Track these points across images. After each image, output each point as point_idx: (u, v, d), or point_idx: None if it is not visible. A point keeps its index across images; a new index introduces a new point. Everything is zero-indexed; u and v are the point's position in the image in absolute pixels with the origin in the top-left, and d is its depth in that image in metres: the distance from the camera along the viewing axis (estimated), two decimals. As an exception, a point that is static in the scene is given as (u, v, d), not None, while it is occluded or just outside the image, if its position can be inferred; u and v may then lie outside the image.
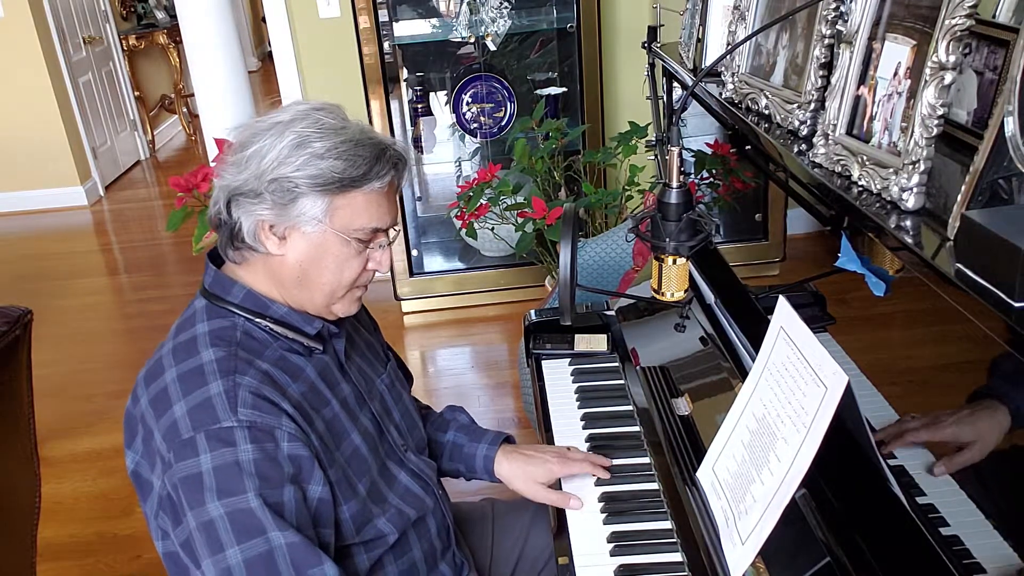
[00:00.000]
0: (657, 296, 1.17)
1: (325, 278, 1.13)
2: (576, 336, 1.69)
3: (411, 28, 3.39)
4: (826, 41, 1.09)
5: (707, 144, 2.81)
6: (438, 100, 3.67)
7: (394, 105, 3.35)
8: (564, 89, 3.47)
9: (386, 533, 1.17)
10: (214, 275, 1.16)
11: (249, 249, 1.12)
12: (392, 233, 1.17)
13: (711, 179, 2.76)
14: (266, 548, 1.00)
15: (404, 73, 3.58)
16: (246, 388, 1.05)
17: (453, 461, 1.42)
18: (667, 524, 1.23)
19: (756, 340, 1.13)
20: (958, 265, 0.76)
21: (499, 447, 1.39)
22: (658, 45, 1.90)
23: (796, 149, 1.10)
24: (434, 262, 3.65)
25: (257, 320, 1.13)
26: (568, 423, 1.50)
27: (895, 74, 0.91)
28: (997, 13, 1.01)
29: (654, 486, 1.31)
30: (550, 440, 1.48)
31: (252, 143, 1.08)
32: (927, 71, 0.84)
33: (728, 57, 1.35)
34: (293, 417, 1.06)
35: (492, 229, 2.99)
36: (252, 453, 1.02)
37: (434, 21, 3.36)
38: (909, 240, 0.83)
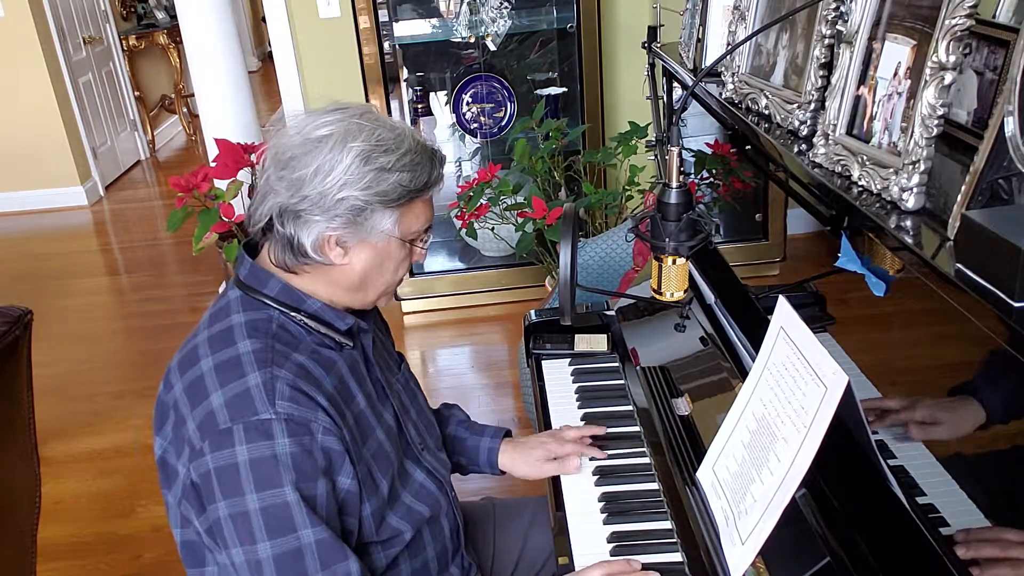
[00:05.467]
0: (657, 296, 1.17)
1: (383, 280, 1.16)
2: (576, 336, 1.69)
3: (411, 28, 3.39)
4: (826, 41, 1.09)
5: (707, 144, 2.82)
6: (438, 100, 3.68)
7: (394, 105, 3.35)
8: (564, 89, 3.48)
9: (402, 531, 1.19)
10: (250, 267, 1.16)
11: (312, 262, 1.11)
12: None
13: (711, 179, 2.77)
14: (296, 545, 1.03)
15: (404, 73, 3.58)
16: (283, 380, 1.05)
17: (454, 454, 1.45)
18: (667, 524, 1.23)
19: (756, 340, 1.13)
20: (958, 265, 0.76)
21: (501, 440, 1.44)
22: (658, 45, 1.90)
23: (796, 149, 1.10)
24: (434, 262, 3.65)
25: (292, 314, 1.13)
26: (568, 423, 1.50)
27: (895, 74, 0.91)
28: (997, 13, 1.01)
29: (654, 486, 1.31)
30: (550, 440, 1.48)
31: (308, 160, 1.06)
32: (927, 71, 0.84)
33: (728, 57, 1.35)
34: (327, 411, 1.07)
35: (492, 229, 3.00)
36: (289, 447, 1.03)
37: (434, 21, 3.36)
38: (909, 240, 0.83)
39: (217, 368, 1.07)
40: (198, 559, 1.14)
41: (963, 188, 0.77)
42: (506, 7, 3.27)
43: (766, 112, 1.23)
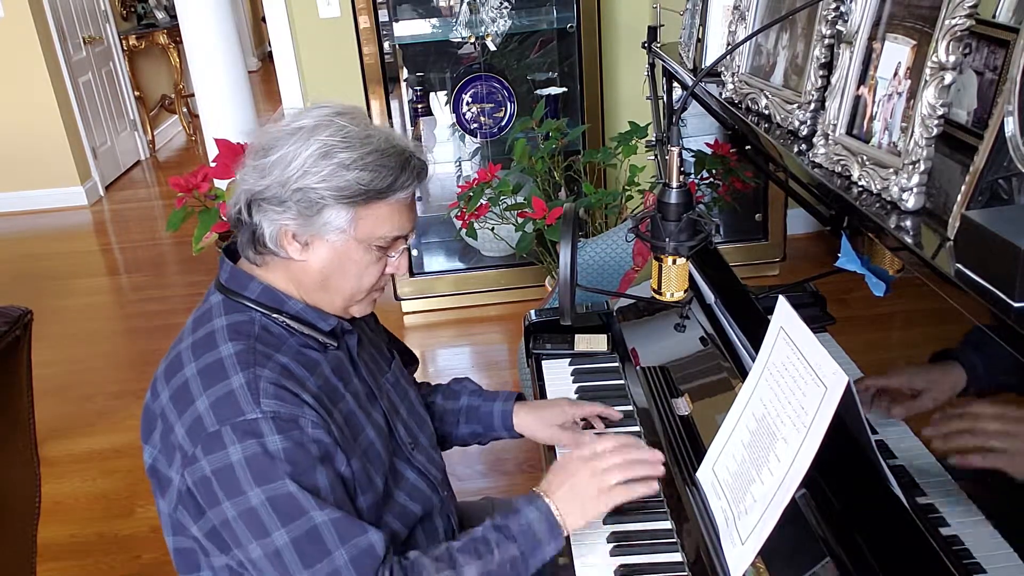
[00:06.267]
0: (657, 296, 1.17)
1: (346, 284, 1.14)
2: (576, 336, 1.69)
3: (411, 28, 3.39)
4: (826, 41, 1.09)
5: (707, 144, 2.81)
6: (438, 100, 3.68)
7: (394, 105, 3.35)
8: (564, 89, 3.48)
9: (396, 530, 1.18)
10: (230, 270, 1.16)
11: (271, 253, 1.12)
12: (410, 239, 1.18)
13: (711, 179, 2.77)
14: (311, 526, 1.02)
15: (404, 73, 3.58)
16: (267, 380, 1.05)
17: (470, 423, 1.45)
18: (667, 524, 1.23)
19: (756, 340, 1.13)
20: (958, 265, 0.76)
21: (513, 403, 1.45)
22: (658, 45, 1.90)
23: (796, 149, 1.10)
24: (434, 262, 3.65)
25: (274, 316, 1.13)
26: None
27: (895, 74, 0.91)
28: (997, 13, 1.01)
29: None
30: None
31: (275, 148, 1.07)
32: (927, 71, 0.84)
33: (728, 57, 1.35)
34: (314, 407, 1.07)
35: (492, 229, 3.00)
36: (281, 443, 1.03)
37: (434, 21, 3.36)
38: (909, 240, 0.83)
39: (201, 373, 1.07)
40: (192, 565, 1.14)
41: (963, 188, 0.77)
42: (506, 7, 3.27)
43: (766, 112, 1.23)
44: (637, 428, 1.45)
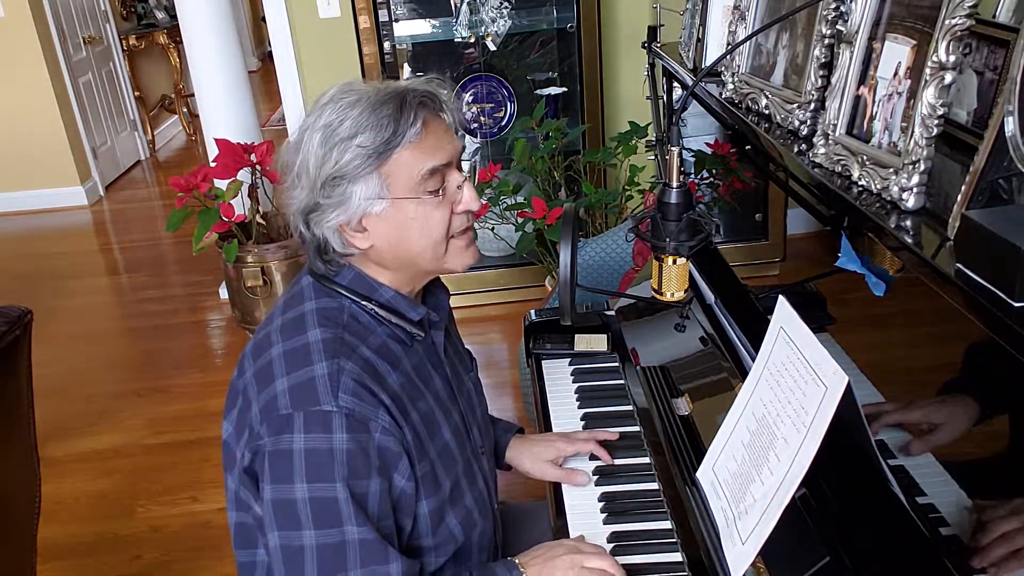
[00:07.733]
0: (657, 296, 1.17)
1: (418, 245, 1.11)
2: (576, 336, 1.69)
3: (411, 28, 3.39)
4: (826, 41, 1.09)
5: (707, 144, 2.81)
6: (438, 100, 3.68)
7: (394, 105, 3.35)
8: (564, 89, 3.48)
9: (456, 536, 1.17)
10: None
11: (343, 256, 1.12)
12: (464, 167, 1.16)
13: (711, 179, 2.76)
14: (340, 540, 1.02)
15: (404, 73, 3.58)
16: (349, 374, 1.05)
17: None
18: (667, 524, 1.23)
19: (756, 340, 1.13)
20: (958, 265, 0.76)
21: (512, 435, 1.44)
22: (658, 45, 1.90)
23: (796, 149, 1.10)
24: (434, 262, 3.64)
25: (363, 303, 1.13)
26: (568, 423, 1.50)
27: (895, 74, 0.91)
28: (997, 13, 1.01)
29: (654, 486, 1.31)
30: (550, 440, 1.48)
31: (293, 162, 1.09)
32: (927, 71, 0.84)
33: (728, 57, 1.35)
34: (389, 409, 1.07)
35: (492, 229, 3.00)
36: (346, 443, 1.02)
37: (434, 21, 3.36)
38: (909, 240, 0.83)
39: (286, 354, 1.07)
40: (250, 541, 1.15)
41: (963, 188, 0.77)
42: (506, 7, 3.27)
43: (766, 112, 1.23)
44: (637, 428, 1.45)
